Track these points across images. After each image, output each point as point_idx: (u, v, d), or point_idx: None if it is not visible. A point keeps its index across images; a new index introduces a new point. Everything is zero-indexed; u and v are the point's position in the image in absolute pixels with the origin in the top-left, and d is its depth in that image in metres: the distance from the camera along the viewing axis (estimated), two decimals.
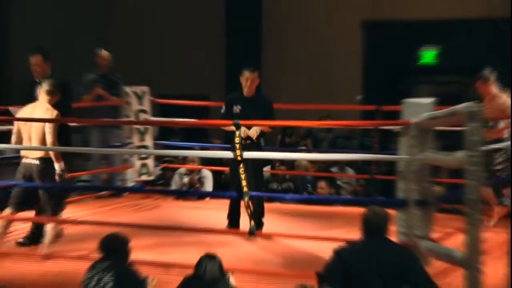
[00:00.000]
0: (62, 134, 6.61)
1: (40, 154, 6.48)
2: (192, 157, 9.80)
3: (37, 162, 6.48)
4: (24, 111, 6.61)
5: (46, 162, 6.48)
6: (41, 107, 6.53)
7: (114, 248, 5.21)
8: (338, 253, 4.61)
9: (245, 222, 6.80)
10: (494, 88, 7.73)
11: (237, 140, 6.01)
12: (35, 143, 6.46)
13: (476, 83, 8.04)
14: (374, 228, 4.67)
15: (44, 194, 6.55)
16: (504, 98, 7.78)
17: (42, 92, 6.58)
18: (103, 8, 16.48)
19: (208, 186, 9.69)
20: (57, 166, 6.46)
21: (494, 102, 7.63)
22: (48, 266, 6.21)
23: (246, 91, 7.33)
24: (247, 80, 7.30)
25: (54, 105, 6.50)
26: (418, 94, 12.60)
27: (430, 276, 4.55)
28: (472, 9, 14.83)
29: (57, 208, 6.63)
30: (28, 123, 6.47)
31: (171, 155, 10.42)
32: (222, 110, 7.41)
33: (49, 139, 6.39)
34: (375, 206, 4.82)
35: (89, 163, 10.46)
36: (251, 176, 6.79)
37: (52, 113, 6.48)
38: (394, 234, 5.51)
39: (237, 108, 7.31)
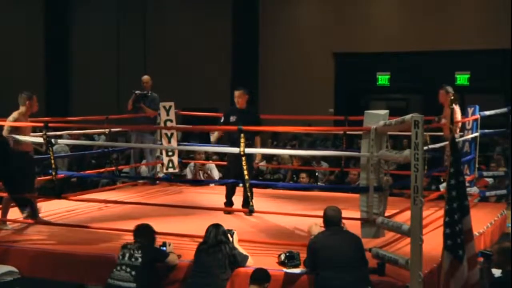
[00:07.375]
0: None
1: None
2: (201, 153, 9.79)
3: None
4: None
5: None
6: None
7: (142, 234, 5.24)
8: (312, 240, 4.92)
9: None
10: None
11: (242, 140, 5.82)
12: None
13: (440, 92, 7.80)
14: (333, 220, 4.95)
15: None
16: (456, 107, 7.69)
17: None
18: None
19: (215, 175, 9.66)
20: None
21: (448, 109, 7.41)
22: (95, 234, 6.17)
23: (238, 105, 7.49)
24: (236, 97, 7.47)
25: None
26: (376, 107, 12.63)
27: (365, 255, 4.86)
28: (413, 44, 14.90)
29: None
30: None
31: (192, 150, 10.33)
32: (222, 120, 7.53)
33: None
34: (332, 205, 5.08)
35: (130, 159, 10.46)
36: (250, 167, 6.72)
37: None
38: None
39: (233, 118, 7.32)
